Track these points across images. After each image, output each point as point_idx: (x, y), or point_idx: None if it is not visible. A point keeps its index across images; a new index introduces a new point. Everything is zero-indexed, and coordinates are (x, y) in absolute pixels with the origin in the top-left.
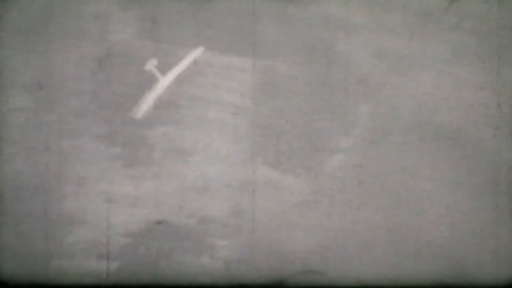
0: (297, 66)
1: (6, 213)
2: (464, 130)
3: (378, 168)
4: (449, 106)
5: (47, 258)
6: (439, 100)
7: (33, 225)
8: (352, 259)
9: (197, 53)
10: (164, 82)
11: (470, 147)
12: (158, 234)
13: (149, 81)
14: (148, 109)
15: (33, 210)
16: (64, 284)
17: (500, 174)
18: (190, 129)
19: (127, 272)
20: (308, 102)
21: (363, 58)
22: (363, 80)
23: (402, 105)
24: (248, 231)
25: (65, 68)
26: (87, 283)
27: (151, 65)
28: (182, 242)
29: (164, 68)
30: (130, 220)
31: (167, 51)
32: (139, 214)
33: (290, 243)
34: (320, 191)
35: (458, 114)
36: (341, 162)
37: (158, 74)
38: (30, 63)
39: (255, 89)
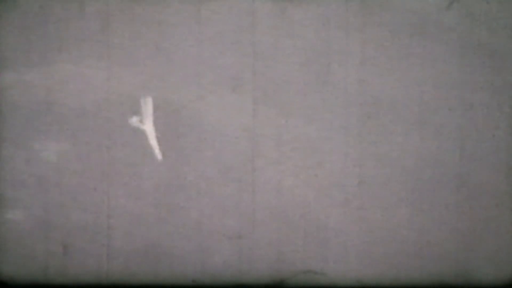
0: (297, 66)
1: (6, 213)
2: (464, 130)
3: (378, 168)
4: (449, 106)
5: (47, 258)
6: (439, 100)
7: (33, 225)
8: (352, 259)
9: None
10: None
11: (470, 147)
12: (158, 234)
13: (148, 82)
14: (148, 110)
15: (33, 210)
16: (64, 284)
17: (500, 174)
18: (190, 129)
19: (127, 272)
20: (308, 102)
21: (363, 58)
22: (363, 80)
23: (402, 105)
24: (248, 231)
25: (67, 68)
26: (87, 283)
27: (135, 121)
28: (182, 242)
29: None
30: (130, 219)
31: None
32: (140, 214)
33: (290, 243)
34: (320, 191)
35: (458, 114)
36: (341, 162)
37: (140, 126)
38: (30, 63)
39: (255, 89)
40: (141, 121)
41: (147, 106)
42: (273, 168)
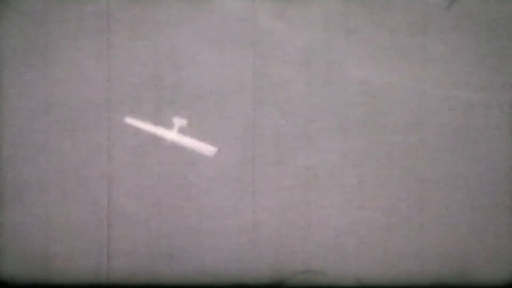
0: (297, 66)
1: (6, 213)
2: (464, 130)
3: (378, 168)
4: (449, 106)
5: (47, 258)
6: (439, 100)
7: (33, 225)
8: (352, 259)
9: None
10: (170, 135)
11: (470, 147)
12: (158, 234)
13: (148, 82)
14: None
15: (33, 210)
16: (64, 284)
17: (500, 174)
18: (190, 129)
19: (127, 272)
20: (308, 102)
21: (363, 58)
22: (363, 80)
23: (402, 105)
24: (248, 231)
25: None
26: (87, 283)
27: (178, 121)
28: (182, 242)
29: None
30: (130, 220)
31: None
32: (140, 214)
33: (290, 243)
34: (320, 191)
35: (458, 114)
36: (341, 162)
37: (174, 129)
38: (30, 63)
39: (255, 89)
40: (186, 128)
41: (207, 148)
42: (273, 168)
